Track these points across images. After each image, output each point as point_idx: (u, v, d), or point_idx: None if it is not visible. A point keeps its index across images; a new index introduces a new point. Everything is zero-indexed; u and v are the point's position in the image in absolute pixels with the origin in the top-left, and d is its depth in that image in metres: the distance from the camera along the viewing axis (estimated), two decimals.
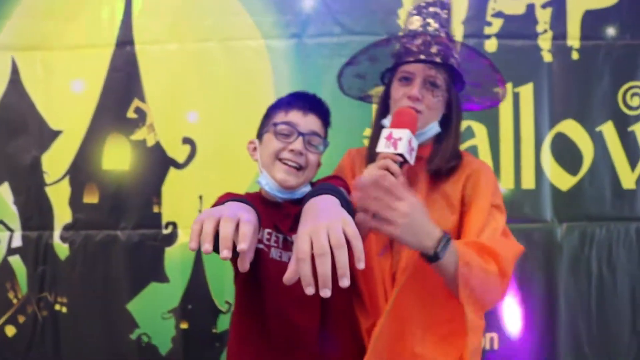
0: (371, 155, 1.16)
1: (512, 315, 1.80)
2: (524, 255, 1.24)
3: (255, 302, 1.10)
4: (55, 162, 1.86)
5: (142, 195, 1.85)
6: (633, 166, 1.85)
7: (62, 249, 1.84)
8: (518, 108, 1.85)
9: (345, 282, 0.65)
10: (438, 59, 1.12)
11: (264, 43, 1.84)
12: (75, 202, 1.85)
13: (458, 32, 1.84)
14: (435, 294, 1.07)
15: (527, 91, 1.85)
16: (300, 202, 0.88)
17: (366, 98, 1.40)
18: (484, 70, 1.21)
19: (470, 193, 1.14)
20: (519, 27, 1.86)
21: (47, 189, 1.86)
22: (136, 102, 1.86)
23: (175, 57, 1.85)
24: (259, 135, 1.21)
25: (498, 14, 1.86)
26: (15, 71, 1.87)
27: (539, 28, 1.86)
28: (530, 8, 1.86)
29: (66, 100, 1.86)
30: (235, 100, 1.84)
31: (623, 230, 1.84)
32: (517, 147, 1.85)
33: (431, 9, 1.16)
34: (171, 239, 1.83)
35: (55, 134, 1.86)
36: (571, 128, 1.86)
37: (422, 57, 1.12)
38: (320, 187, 0.88)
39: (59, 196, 1.85)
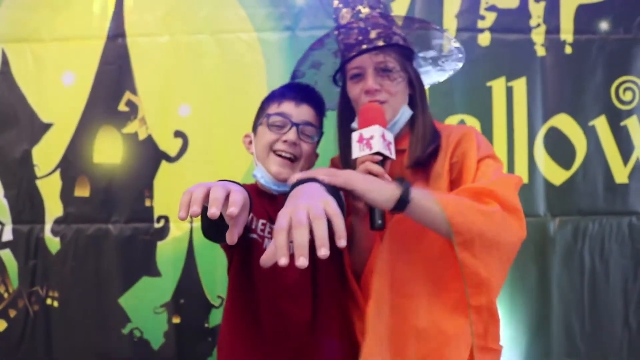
0: (346, 165, 1.11)
1: (504, 309, 1.81)
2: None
3: (247, 292, 1.10)
4: (46, 155, 1.84)
5: (134, 189, 1.83)
6: (626, 160, 1.86)
7: (53, 243, 1.83)
8: (511, 102, 1.85)
9: (323, 252, 0.63)
10: (380, 42, 1.06)
11: (256, 36, 1.83)
12: (66, 195, 1.84)
13: (451, 25, 1.84)
14: (431, 257, 1.02)
15: (520, 85, 1.85)
16: None
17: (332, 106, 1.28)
18: (424, 34, 1.15)
19: (457, 160, 1.08)
20: (513, 21, 1.85)
21: (38, 182, 1.84)
22: (128, 95, 1.84)
23: (167, 50, 1.83)
24: (254, 129, 1.20)
25: (491, 8, 1.85)
26: (5, 63, 1.85)
27: (533, 22, 1.86)
28: (524, 2, 1.85)
29: (57, 93, 1.84)
30: (227, 93, 1.83)
31: (616, 224, 1.84)
32: (510, 142, 1.85)
33: None
34: (163, 232, 1.82)
35: (46, 126, 1.85)
36: (564, 122, 1.86)
37: (364, 46, 1.06)
38: (307, 179, 0.88)
39: (50, 189, 1.84)
